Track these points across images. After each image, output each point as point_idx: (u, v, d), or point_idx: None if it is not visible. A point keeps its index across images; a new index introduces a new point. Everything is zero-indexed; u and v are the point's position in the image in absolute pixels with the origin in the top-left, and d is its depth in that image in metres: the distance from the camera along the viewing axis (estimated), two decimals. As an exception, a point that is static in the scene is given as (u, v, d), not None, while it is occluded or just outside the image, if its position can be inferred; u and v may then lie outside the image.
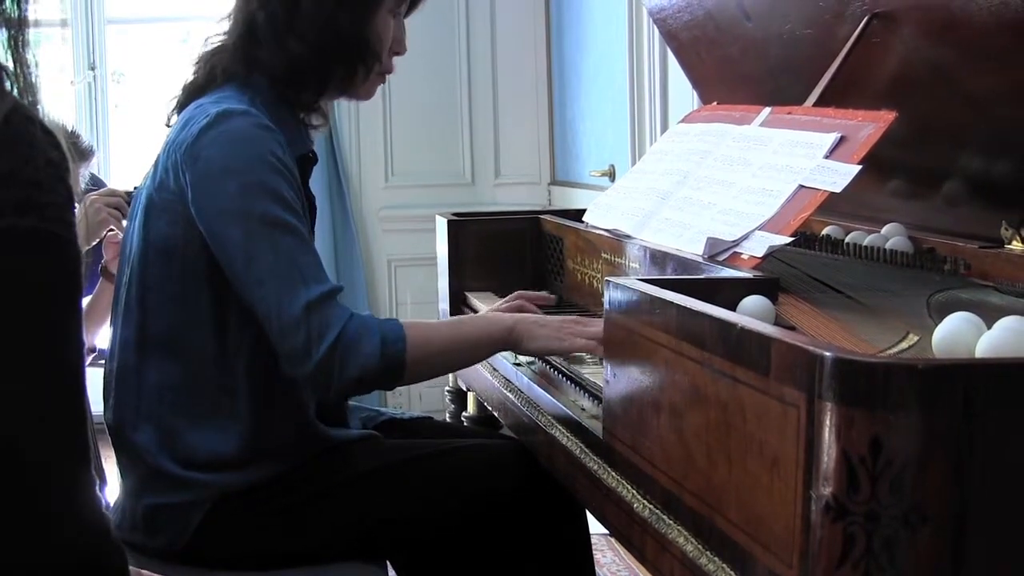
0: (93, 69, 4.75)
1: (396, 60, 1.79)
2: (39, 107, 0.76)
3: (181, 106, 1.72)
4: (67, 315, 0.73)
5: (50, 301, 0.72)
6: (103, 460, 2.69)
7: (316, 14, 1.65)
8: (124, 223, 2.45)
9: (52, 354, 0.72)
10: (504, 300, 1.96)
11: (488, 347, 1.66)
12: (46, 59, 4.80)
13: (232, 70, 1.69)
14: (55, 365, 0.72)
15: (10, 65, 0.77)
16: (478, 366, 1.98)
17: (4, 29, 0.78)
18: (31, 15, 0.79)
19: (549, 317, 1.70)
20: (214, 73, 1.70)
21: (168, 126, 1.72)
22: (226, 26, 1.72)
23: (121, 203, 2.46)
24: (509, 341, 1.64)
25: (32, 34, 0.79)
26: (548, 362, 1.74)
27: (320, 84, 1.70)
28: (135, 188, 2.52)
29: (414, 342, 1.57)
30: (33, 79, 0.77)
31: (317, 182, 1.80)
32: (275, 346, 1.56)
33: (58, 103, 4.55)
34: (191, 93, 1.72)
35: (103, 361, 1.74)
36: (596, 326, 1.59)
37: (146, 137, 1.62)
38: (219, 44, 1.73)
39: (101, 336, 2.52)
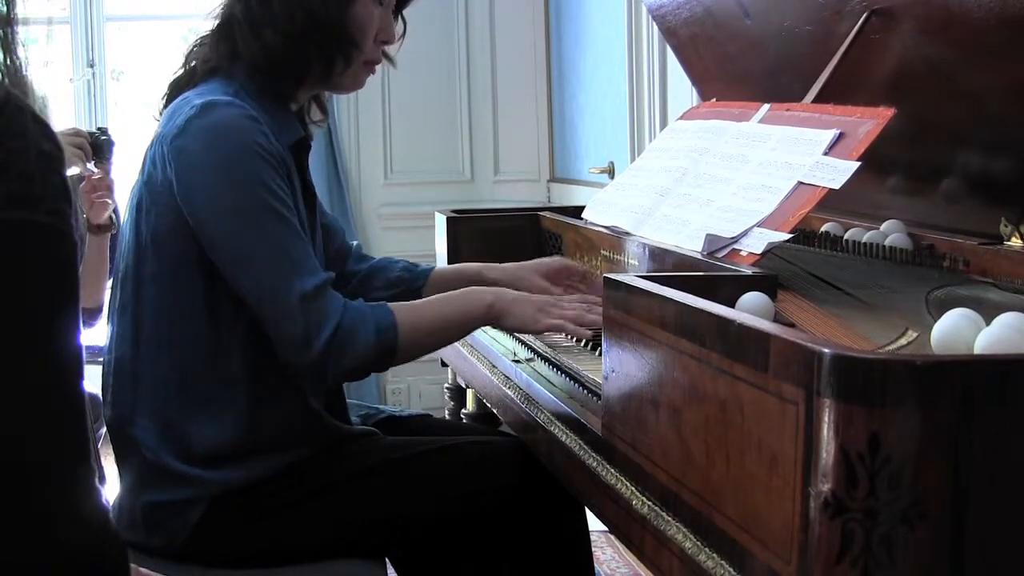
0: (92, 67, 4.74)
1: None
2: (31, 100, 0.76)
3: (168, 100, 1.72)
4: (63, 308, 0.72)
5: (45, 295, 0.71)
6: (102, 458, 2.69)
7: (291, 1, 1.65)
8: (90, 165, 2.46)
9: (48, 349, 0.71)
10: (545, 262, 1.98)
11: (471, 324, 1.72)
12: (43, 57, 4.79)
13: (214, 62, 1.69)
14: (51, 360, 0.71)
15: (0, 60, 0.77)
16: (477, 364, 1.98)
17: None
18: (20, 13, 0.78)
19: (528, 295, 1.74)
20: (196, 66, 1.71)
21: (157, 120, 1.72)
22: (212, 22, 1.73)
23: (84, 143, 2.46)
24: (489, 317, 1.69)
25: (23, 32, 0.79)
26: (547, 359, 1.74)
27: (298, 73, 1.70)
28: (98, 129, 2.54)
29: (405, 327, 1.62)
30: (24, 74, 0.77)
31: (315, 179, 1.80)
32: (271, 333, 1.58)
33: (57, 101, 4.55)
34: (177, 87, 1.72)
35: (102, 358, 1.74)
36: (573, 307, 1.65)
37: (146, 135, 1.63)
38: (202, 37, 1.73)
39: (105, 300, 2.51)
